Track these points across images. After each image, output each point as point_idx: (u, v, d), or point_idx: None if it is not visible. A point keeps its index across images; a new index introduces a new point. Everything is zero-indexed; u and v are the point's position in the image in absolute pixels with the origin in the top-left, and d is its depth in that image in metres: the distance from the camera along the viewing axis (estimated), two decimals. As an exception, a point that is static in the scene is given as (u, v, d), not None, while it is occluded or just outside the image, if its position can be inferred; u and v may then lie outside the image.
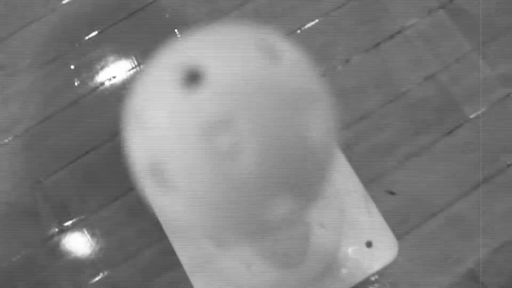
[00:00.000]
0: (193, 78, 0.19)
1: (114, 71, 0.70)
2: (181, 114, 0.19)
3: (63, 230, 0.65)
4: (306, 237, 0.47)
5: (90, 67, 0.71)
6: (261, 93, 0.18)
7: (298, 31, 0.69)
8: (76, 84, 0.70)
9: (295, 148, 0.19)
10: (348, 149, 0.64)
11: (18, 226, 0.65)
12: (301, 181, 0.20)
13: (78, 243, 0.64)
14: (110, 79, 0.70)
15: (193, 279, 0.59)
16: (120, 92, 0.70)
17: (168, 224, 0.61)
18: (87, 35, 0.72)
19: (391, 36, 0.68)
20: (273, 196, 0.19)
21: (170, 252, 0.62)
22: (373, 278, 0.60)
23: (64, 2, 0.73)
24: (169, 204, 0.22)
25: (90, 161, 0.67)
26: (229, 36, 0.21)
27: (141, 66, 0.70)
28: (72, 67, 0.71)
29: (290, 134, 0.18)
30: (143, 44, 0.71)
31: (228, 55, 0.19)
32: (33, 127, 0.69)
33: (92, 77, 0.70)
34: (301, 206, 0.21)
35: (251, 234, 0.23)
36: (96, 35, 0.72)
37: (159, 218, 0.63)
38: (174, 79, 0.20)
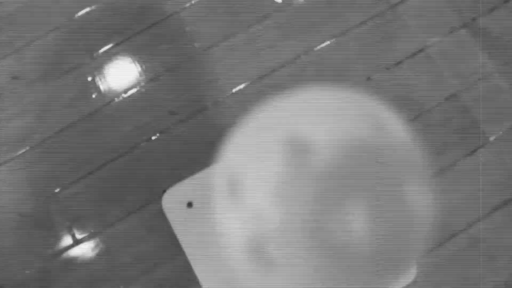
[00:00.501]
0: (301, 151, 0.18)
1: (132, 83, 0.70)
2: (290, 189, 0.18)
3: (78, 243, 0.64)
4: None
5: (108, 79, 0.70)
6: (371, 166, 0.18)
7: (318, 47, 0.69)
8: (93, 96, 0.69)
9: (403, 221, 0.18)
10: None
11: (32, 238, 0.65)
12: (406, 256, 0.19)
13: (93, 257, 0.64)
14: (127, 91, 0.69)
15: (211, 296, 0.58)
16: (137, 104, 0.69)
17: (186, 240, 0.60)
18: (105, 46, 0.71)
19: (413, 54, 0.68)
20: (380, 274, 0.19)
21: (186, 268, 0.61)
22: (391, 299, 0.60)
23: (81, 13, 0.73)
24: (267, 281, 0.20)
25: (107, 174, 0.66)
26: (334, 104, 0.20)
27: (160, 78, 0.70)
28: (89, 78, 0.70)
29: (398, 206, 0.18)
30: (161, 57, 0.71)
31: (336, 126, 0.19)
32: (49, 138, 0.68)
33: (109, 89, 0.70)
34: (398, 276, 0.20)
35: None
36: (114, 46, 0.71)
37: (176, 233, 0.62)
38: (282, 151, 0.18)
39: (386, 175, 0.18)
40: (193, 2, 0.72)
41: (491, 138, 0.65)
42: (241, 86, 0.68)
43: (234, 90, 0.68)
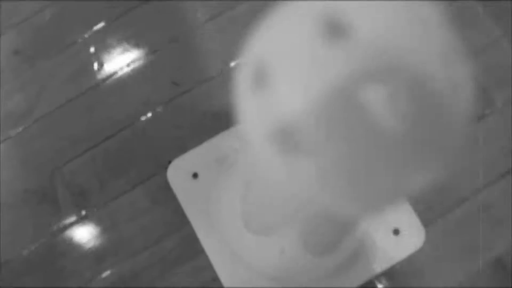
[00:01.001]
0: (336, 30, 0.18)
1: (134, 55, 0.69)
2: (320, 70, 0.17)
3: (83, 217, 0.63)
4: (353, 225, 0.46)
5: (110, 51, 0.69)
6: (411, 52, 0.17)
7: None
8: (94, 69, 0.69)
9: (439, 119, 0.17)
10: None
11: (37, 213, 0.64)
12: (440, 154, 0.19)
13: (98, 231, 0.63)
14: (129, 64, 0.69)
15: (218, 267, 0.58)
16: (140, 76, 0.68)
17: (193, 210, 0.60)
18: (107, 18, 0.70)
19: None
20: (412, 169, 0.18)
21: (192, 239, 0.61)
22: (399, 266, 0.60)
23: (81, -15, 0.72)
24: (296, 173, 0.20)
25: (110, 147, 0.66)
26: None
27: (162, 50, 0.69)
28: (92, 50, 0.69)
29: (436, 102, 0.17)
30: (163, 28, 0.70)
31: (374, 11, 0.18)
32: (52, 112, 0.67)
33: (111, 61, 0.69)
34: (437, 177, 0.20)
35: (381, 207, 0.21)
36: (116, 19, 0.70)
37: (182, 204, 0.61)
38: (318, 30, 0.18)
39: (430, 69, 0.18)
40: (194, -28, 0.71)
41: (499, 105, 0.64)
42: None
43: (237, 61, 0.67)
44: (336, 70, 0.18)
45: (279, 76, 0.19)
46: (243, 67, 0.22)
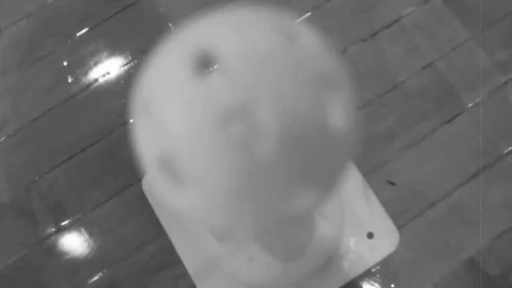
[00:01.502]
0: (206, 61, 0.18)
1: (108, 66, 0.69)
2: (195, 102, 0.18)
3: (60, 230, 0.64)
4: (310, 229, 0.46)
5: (83, 63, 0.69)
6: (279, 74, 0.17)
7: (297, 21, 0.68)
8: (69, 80, 0.69)
9: (317, 133, 0.18)
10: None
11: (13, 226, 0.64)
12: (323, 169, 0.19)
13: (76, 242, 0.63)
14: (104, 75, 0.69)
15: (195, 275, 0.58)
16: (114, 88, 0.68)
17: (168, 220, 0.60)
18: (80, 30, 0.70)
19: (388, 25, 0.68)
20: (295, 186, 0.19)
21: (169, 248, 0.61)
22: (374, 269, 0.60)
23: (54, -3, 0.72)
24: (180, 199, 0.21)
25: (86, 159, 0.66)
26: (242, 17, 0.20)
27: (135, 61, 0.69)
28: (65, 63, 0.69)
29: (311, 117, 0.17)
30: (137, 39, 0.70)
31: (243, 36, 0.18)
32: (26, 125, 0.67)
33: (85, 73, 0.69)
34: (323, 196, 0.20)
35: (269, 228, 0.22)
36: (89, 30, 0.70)
37: (157, 214, 0.62)
38: (186, 63, 0.18)
39: (301, 87, 0.18)
40: (165, -18, 0.71)
41: (469, 105, 0.65)
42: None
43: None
44: (208, 102, 0.18)
45: (158, 109, 0.20)
46: (134, 97, 0.22)
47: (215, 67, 0.18)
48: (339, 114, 0.19)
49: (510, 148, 0.63)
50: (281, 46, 0.19)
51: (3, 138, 0.67)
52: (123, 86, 0.68)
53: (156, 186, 0.22)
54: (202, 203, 0.20)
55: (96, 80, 0.69)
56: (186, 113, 0.19)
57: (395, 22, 0.68)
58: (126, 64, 0.69)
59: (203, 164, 0.19)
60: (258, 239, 0.42)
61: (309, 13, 0.69)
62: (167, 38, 0.23)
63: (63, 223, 0.64)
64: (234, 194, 0.19)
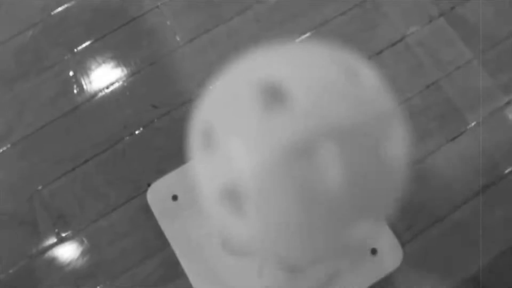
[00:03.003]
0: (274, 97, 0.18)
1: (114, 77, 0.69)
2: (263, 137, 0.18)
3: (62, 240, 0.63)
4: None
5: (89, 73, 0.69)
6: (344, 113, 0.18)
7: (300, 39, 0.69)
8: (74, 92, 0.69)
9: (376, 169, 0.18)
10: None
11: (15, 235, 0.64)
12: (380, 202, 0.19)
13: (77, 253, 0.63)
14: (109, 86, 0.69)
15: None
16: (120, 99, 0.68)
17: (173, 233, 0.60)
18: (85, 42, 0.71)
19: (393, 44, 0.69)
20: (355, 219, 0.19)
21: (173, 261, 0.61)
22: (378, 286, 0.60)
23: (61, 8, 0.72)
24: (243, 229, 0.20)
25: (90, 170, 0.66)
26: (306, 54, 0.20)
27: (141, 72, 0.69)
28: (71, 73, 0.69)
29: (371, 154, 0.18)
30: (143, 51, 0.70)
31: (310, 73, 0.19)
32: (31, 135, 0.67)
33: (91, 84, 0.69)
34: (377, 226, 0.20)
35: (328, 257, 0.22)
36: (94, 42, 0.71)
37: (162, 227, 0.61)
38: (255, 99, 0.18)
39: (362, 125, 0.19)
40: (173, -4, 0.72)
41: (472, 125, 0.66)
42: (224, 79, 0.68)
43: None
44: (274, 137, 0.18)
45: (224, 142, 0.20)
46: (193, 128, 0.23)
47: (282, 102, 0.19)
48: (395, 151, 0.19)
49: (510, 168, 0.64)
50: (347, 85, 0.19)
51: (8, 146, 0.67)
52: (129, 97, 0.68)
53: (217, 216, 0.22)
54: (265, 234, 0.20)
55: (101, 90, 0.69)
56: (254, 147, 0.19)
57: (399, 41, 0.69)
58: (132, 75, 0.69)
59: (268, 197, 0.19)
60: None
61: (314, 30, 0.70)
62: (229, 69, 0.23)
63: (65, 234, 0.63)
64: (296, 226, 0.19)
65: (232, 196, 0.20)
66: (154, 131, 0.67)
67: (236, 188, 0.20)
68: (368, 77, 0.21)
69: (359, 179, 0.19)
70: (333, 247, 0.21)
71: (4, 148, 0.66)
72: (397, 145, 0.19)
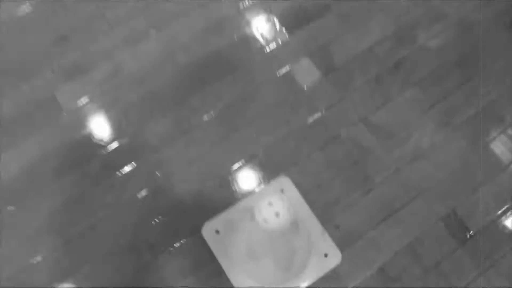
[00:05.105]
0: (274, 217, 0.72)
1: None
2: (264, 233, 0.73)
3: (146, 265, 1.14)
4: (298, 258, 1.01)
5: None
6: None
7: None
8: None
9: (291, 253, 0.70)
10: (313, 205, 1.18)
11: (126, 261, 1.14)
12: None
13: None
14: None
15: (236, 284, 1.10)
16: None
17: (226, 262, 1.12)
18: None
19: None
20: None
21: (220, 269, 1.12)
22: (329, 273, 1.12)
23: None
24: (257, 267, 0.76)
25: (164, 219, 1.17)
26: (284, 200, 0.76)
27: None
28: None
29: (291, 248, 0.70)
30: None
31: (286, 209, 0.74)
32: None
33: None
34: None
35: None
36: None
37: (218, 259, 1.13)
38: (259, 217, 0.74)
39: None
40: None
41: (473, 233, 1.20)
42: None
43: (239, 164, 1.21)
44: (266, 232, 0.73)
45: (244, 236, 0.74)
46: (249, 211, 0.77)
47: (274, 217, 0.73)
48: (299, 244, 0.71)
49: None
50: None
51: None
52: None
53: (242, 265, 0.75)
54: (268, 265, 0.73)
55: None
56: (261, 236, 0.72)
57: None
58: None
59: (266, 250, 0.72)
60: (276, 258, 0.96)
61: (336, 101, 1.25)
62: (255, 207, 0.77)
63: (151, 258, 1.14)
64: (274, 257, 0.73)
65: (251, 253, 0.74)
66: (201, 196, 1.19)
67: (253, 249, 0.74)
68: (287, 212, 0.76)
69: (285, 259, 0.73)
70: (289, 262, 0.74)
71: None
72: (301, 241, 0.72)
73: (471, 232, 1.18)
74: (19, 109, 1.27)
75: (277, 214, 0.81)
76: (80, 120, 1.26)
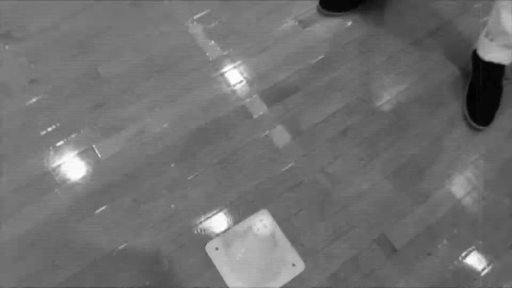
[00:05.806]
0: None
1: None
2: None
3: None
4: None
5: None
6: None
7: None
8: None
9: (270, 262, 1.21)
10: (286, 230, 1.66)
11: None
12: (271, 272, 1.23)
13: None
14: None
15: (231, 285, 1.57)
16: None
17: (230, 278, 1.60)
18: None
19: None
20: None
21: (219, 276, 1.59)
22: (295, 277, 1.59)
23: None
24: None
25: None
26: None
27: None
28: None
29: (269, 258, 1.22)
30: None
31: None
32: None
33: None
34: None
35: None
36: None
37: (220, 272, 1.61)
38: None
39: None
40: None
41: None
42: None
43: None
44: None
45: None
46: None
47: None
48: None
49: None
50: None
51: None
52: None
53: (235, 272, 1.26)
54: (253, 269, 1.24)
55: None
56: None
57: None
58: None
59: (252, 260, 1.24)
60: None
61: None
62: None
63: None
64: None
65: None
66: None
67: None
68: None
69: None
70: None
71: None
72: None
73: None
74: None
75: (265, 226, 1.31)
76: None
